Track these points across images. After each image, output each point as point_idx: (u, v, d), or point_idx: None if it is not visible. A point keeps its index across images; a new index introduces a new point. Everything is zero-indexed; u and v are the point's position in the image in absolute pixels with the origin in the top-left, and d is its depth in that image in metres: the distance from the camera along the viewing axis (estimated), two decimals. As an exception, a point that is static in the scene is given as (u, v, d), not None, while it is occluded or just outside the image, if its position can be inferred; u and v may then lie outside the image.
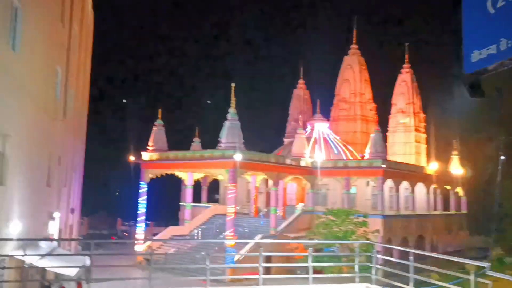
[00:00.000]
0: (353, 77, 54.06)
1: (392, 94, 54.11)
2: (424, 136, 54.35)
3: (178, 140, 42.98)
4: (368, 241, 21.48)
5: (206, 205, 44.39)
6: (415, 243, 41.96)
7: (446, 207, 51.11)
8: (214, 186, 47.88)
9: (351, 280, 10.63)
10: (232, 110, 36.06)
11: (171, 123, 42.39)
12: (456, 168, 52.00)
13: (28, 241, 13.23)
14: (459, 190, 52.88)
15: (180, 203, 43.55)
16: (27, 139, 13.98)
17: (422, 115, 54.32)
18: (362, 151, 47.57)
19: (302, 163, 41.47)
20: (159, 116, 41.15)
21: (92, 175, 33.91)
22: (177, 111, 57.80)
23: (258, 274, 9.72)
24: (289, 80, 60.71)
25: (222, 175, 37.47)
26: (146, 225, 39.98)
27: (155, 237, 38.78)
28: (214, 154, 36.05)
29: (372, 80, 54.97)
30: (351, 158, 46.99)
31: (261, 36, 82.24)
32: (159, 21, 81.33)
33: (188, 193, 40.91)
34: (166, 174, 40.25)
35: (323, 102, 53.59)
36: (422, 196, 47.07)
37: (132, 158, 41.90)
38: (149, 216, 39.73)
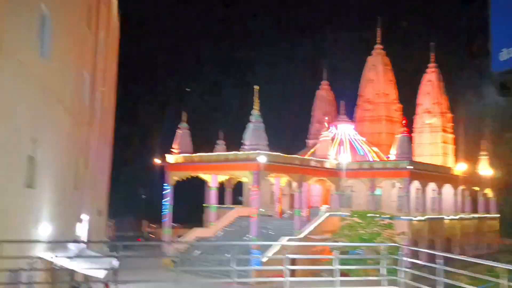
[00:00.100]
0: (377, 77, 53.46)
1: (417, 94, 53.35)
2: (451, 136, 53.33)
3: (201, 142, 43.27)
4: (394, 244, 21.20)
5: (231, 207, 44.57)
6: (442, 245, 41.20)
7: (474, 209, 50.03)
8: (238, 188, 48.03)
9: (378, 283, 10.51)
10: (255, 112, 36.12)
11: (195, 125, 42.70)
12: (485, 169, 50.87)
13: (58, 243, 13.52)
14: (488, 191, 51.70)
15: (204, 205, 43.88)
16: (55, 143, 14.30)
17: (449, 115, 53.33)
18: (387, 152, 46.99)
19: (327, 165, 41.21)
20: (184, 119, 41.57)
21: (118, 178, 34.44)
22: (200, 113, 58.20)
23: (283, 277, 9.70)
24: (311, 81, 60.40)
25: (246, 177, 37.58)
26: (172, 227, 40.41)
27: (180, 239, 39.14)
28: (238, 156, 36.19)
29: (397, 80, 54.30)
30: (376, 159, 46.47)
31: (282, 37, 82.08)
32: (182, 25, 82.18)
33: (212, 195, 41.16)
34: (191, 176, 40.63)
35: (347, 103, 53.17)
36: (449, 197, 46.16)
37: (157, 161, 42.42)
38: (174, 218, 40.16)
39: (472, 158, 50.59)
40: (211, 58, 77.27)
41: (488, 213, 51.28)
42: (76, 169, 17.55)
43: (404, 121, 44.03)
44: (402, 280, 10.07)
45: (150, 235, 53.60)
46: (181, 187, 41.07)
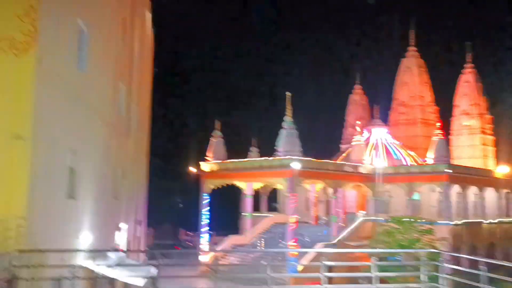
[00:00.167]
0: (412, 79, 52.49)
1: (454, 95, 52.06)
2: (491, 138, 51.67)
3: (234, 150, 43.50)
4: (434, 250, 20.67)
5: (266, 214, 44.56)
6: (485, 251, 39.84)
7: (519, 212, 48.23)
8: (274, 195, 47.97)
9: (418, 290, 10.28)
10: (288, 118, 36.08)
11: (227, 132, 43.01)
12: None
13: (98, 252, 13.85)
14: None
15: (240, 213, 44.04)
16: (94, 154, 14.71)
17: (488, 117, 51.73)
18: (423, 155, 45.94)
19: (362, 170, 40.68)
20: (217, 127, 41.93)
21: (155, 187, 35.00)
22: (232, 120, 58.46)
23: (321, 284, 9.62)
24: (344, 85, 59.78)
25: (281, 184, 37.50)
26: (209, 235, 40.74)
27: (217, 247, 39.39)
28: (272, 162, 36.20)
29: (432, 81, 53.15)
30: (413, 163, 45.51)
31: (314, 42, 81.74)
32: (213, 35, 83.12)
33: (247, 202, 41.28)
34: (227, 184, 40.91)
35: (381, 107, 52.36)
36: (492, 201, 44.65)
37: (193, 169, 42.90)
38: (210, 225, 40.48)
39: (515, 160, 48.85)
40: (242, 65, 77.81)
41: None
42: (115, 178, 17.96)
43: (440, 124, 43.04)
44: (443, 287, 9.81)
45: (188, 243, 54.12)
46: (217, 195, 41.39)
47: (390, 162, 44.64)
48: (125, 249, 19.56)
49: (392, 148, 47.93)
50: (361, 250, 30.82)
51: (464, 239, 38.22)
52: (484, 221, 42.24)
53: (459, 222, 38.55)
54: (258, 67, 76.70)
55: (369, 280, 9.91)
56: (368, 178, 40.64)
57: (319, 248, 32.66)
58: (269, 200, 47.36)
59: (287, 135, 35.73)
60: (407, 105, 52.23)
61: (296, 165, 33.84)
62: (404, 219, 30.56)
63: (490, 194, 44.18)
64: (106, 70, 16.03)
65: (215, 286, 9.37)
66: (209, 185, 39.94)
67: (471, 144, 50.36)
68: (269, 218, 42.08)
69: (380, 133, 49.71)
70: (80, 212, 13.09)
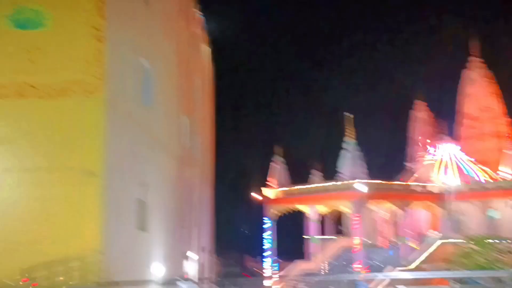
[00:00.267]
0: (478, 91, 50.18)
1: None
2: None
3: (294, 174, 43.28)
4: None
5: (332, 237, 43.68)
6: None
7: None
8: (340, 218, 47.01)
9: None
10: (351, 140, 35.74)
11: (285, 157, 42.99)
12: None
13: (168, 282, 14.08)
14: None
15: (305, 237, 43.41)
16: (162, 186, 15.15)
17: None
18: (495, 170, 43.35)
19: (431, 188, 39.04)
20: (278, 152, 41.99)
21: (220, 215, 35.39)
22: (291, 144, 58.26)
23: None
24: (405, 102, 57.99)
25: (346, 207, 36.79)
26: (274, 260, 40.41)
27: (282, 273, 38.93)
28: (338, 186, 35.70)
29: (503, 92, 50.46)
30: (488, 179, 43.03)
31: (368, 59, 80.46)
32: (271, 62, 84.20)
33: (312, 226, 40.69)
34: (292, 210, 40.73)
35: (445, 121, 50.26)
36: None
37: (256, 196, 43.01)
38: (276, 251, 40.18)
39: None
40: (299, 90, 77.92)
41: None
42: (181, 208, 18.35)
43: (513, 136, 40.65)
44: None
45: (255, 269, 53.92)
46: (281, 221, 41.17)
47: (462, 179, 42.50)
48: (196, 277, 19.78)
49: (461, 164, 45.69)
50: (440, 272, 29.15)
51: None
52: None
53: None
54: (314, 85, 76.43)
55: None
56: (438, 197, 38.90)
57: (392, 272, 31.35)
58: (334, 223, 46.47)
59: (351, 157, 35.29)
60: (475, 118, 49.82)
61: (362, 187, 33.16)
62: (485, 239, 28.78)
63: None
64: (170, 105, 16.61)
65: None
66: (274, 211, 39.87)
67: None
68: (335, 242, 41.22)
69: (447, 149, 47.56)
70: (151, 243, 13.44)
